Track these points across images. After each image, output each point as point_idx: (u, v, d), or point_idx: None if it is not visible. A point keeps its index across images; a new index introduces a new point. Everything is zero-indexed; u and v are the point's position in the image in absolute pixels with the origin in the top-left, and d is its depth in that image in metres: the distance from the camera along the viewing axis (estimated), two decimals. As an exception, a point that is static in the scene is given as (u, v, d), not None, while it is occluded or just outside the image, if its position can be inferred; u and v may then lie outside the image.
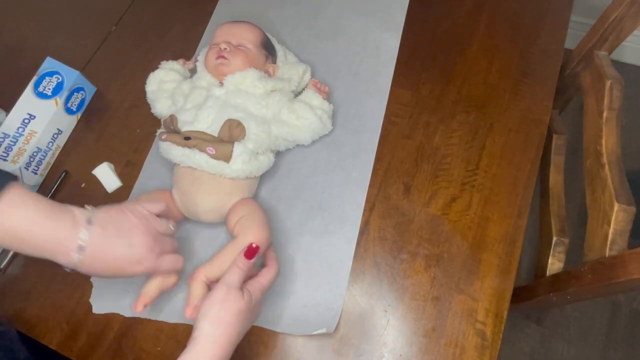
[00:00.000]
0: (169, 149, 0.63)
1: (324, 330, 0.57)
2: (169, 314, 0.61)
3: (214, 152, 0.60)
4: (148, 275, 0.58)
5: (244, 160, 0.61)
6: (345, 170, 0.69)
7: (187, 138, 0.62)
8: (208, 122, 0.63)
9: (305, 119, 0.66)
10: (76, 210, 0.49)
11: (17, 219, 0.46)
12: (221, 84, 0.67)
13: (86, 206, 0.51)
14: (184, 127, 0.64)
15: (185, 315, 0.55)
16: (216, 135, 0.63)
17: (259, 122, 0.64)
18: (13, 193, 0.46)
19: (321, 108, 0.69)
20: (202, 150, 0.61)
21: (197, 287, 0.56)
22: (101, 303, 0.62)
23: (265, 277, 0.55)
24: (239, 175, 0.62)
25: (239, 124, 0.63)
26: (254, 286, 0.53)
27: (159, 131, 0.69)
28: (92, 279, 0.64)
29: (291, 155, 0.71)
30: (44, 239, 0.47)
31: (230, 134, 0.63)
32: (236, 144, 0.61)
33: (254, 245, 0.55)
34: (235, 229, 0.60)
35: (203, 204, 0.62)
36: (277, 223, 0.65)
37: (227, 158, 0.61)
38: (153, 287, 0.57)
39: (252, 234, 0.57)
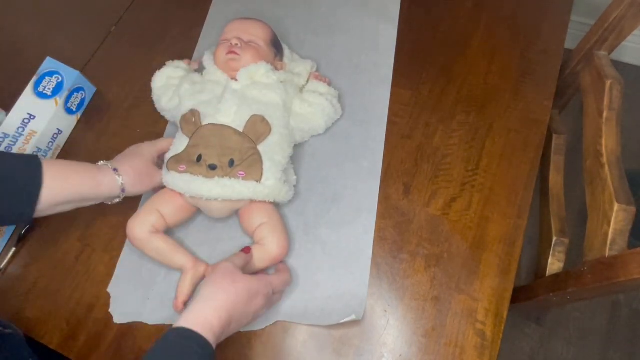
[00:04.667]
0: (191, 182, 0.60)
1: (353, 317, 0.57)
2: None
3: (244, 175, 0.60)
4: (167, 279, 0.62)
5: (276, 178, 0.61)
6: (355, 160, 0.69)
7: (213, 167, 0.60)
8: (231, 116, 0.63)
9: (317, 104, 0.69)
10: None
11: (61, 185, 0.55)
12: (234, 79, 0.68)
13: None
14: (206, 120, 0.63)
15: None
16: (241, 130, 0.63)
17: (281, 113, 0.65)
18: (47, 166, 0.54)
19: (329, 94, 0.71)
20: (233, 176, 0.60)
21: None
22: (122, 313, 0.62)
23: (278, 277, 0.58)
24: (272, 194, 0.61)
25: (263, 119, 0.63)
26: (263, 277, 0.55)
27: (165, 155, 0.65)
28: (109, 289, 0.63)
29: (300, 150, 0.71)
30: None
31: (256, 130, 0.63)
32: (264, 160, 0.61)
33: (248, 247, 0.60)
34: (257, 235, 0.61)
35: (214, 203, 0.62)
36: (293, 218, 0.66)
37: (258, 177, 0.61)
38: (187, 283, 0.59)
39: (277, 245, 0.60)
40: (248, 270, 0.60)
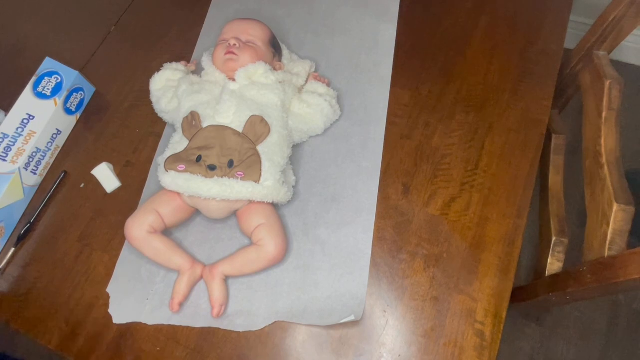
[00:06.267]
0: (191, 180, 0.60)
1: (352, 318, 0.57)
2: (192, 318, 0.61)
3: (243, 175, 0.61)
4: (167, 279, 0.62)
5: (275, 179, 0.62)
6: (355, 160, 0.69)
7: (212, 167, 0.61)
8: (230, 117, 0.63)
9: (316, 105, 0.69)
10: None
11: None
12: (232, 79, 0.68)
13: None
14: (206, 122, 0.63)
15: (213, 314, 0.58)
16: (240, 130, 0.63)
17: (279, 113, 0.65)
18: None
19: (328, 94, 0.71)
20: (232, 177, 0.60)
21: (219, 285, 0.59)
22: (121, 313, 0.61)
23: None
24: (271, 195, 0.61)
25: (262, 120, 0.64)
26: None
27: (161, 157, 0.64)
28: (108, 289, 0.63)
29: (300, 150, 0.71)
30: None
31: (255, 131, 0.63)
32: (263, 161, 0.61)
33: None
34: (255, 236, 0.61)
35: (213, 203, 0.62)
36: (293, 218, 0.66)
37: (256, 178, 0.61)
38: (184, 284, 0.60)
39: (275, 246, 0.60)
40: (246, 271, 0.61)
